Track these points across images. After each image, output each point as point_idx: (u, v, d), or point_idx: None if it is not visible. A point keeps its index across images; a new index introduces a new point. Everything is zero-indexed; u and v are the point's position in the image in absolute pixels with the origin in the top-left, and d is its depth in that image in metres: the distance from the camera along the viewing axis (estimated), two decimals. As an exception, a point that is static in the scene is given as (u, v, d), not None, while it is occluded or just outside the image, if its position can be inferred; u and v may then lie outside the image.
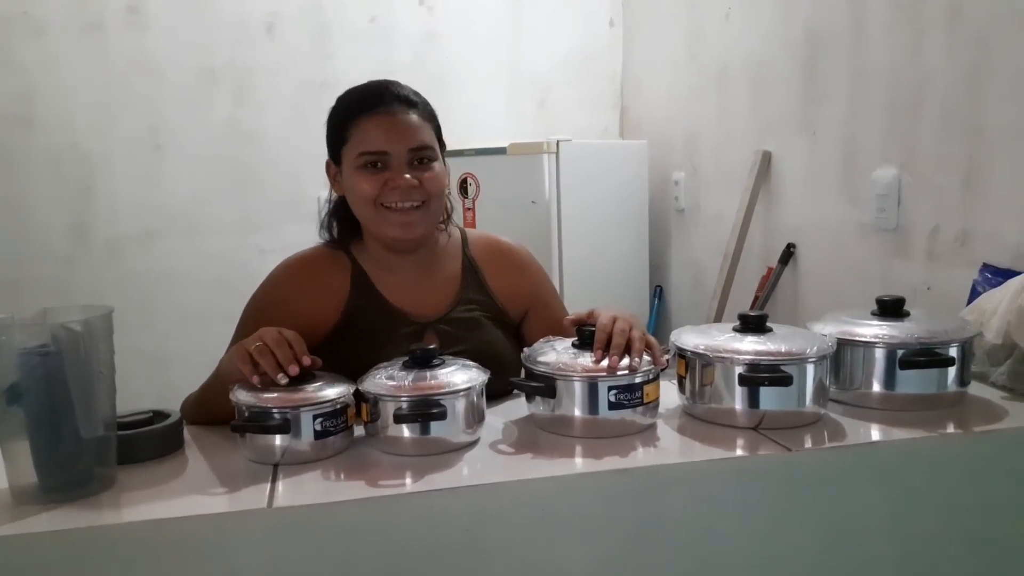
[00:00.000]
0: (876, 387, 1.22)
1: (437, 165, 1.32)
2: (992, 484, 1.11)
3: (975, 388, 1.26)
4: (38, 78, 2.80)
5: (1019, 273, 1.47)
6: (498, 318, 1.41)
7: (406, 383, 1.07)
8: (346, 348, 1.30)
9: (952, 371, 1.20)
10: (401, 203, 1.28)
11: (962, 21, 1.62)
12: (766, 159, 2.32)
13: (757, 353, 1.12)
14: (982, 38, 1.58)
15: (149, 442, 1.09)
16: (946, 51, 1.66)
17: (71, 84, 2.83)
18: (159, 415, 1.14)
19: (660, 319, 3.06)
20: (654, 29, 3.04)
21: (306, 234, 3.31)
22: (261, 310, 1.34)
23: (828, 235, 2.08)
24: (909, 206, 1.79)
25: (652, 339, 1.19)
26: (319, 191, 3.09)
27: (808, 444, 1.09)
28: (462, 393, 1.07)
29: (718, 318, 2.43)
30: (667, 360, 1.19)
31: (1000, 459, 1.13)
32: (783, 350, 1.12)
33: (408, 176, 1.27)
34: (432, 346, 1.13)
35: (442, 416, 1.04)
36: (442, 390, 1.06)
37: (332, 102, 1.36)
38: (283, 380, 1.07)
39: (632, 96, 3.26)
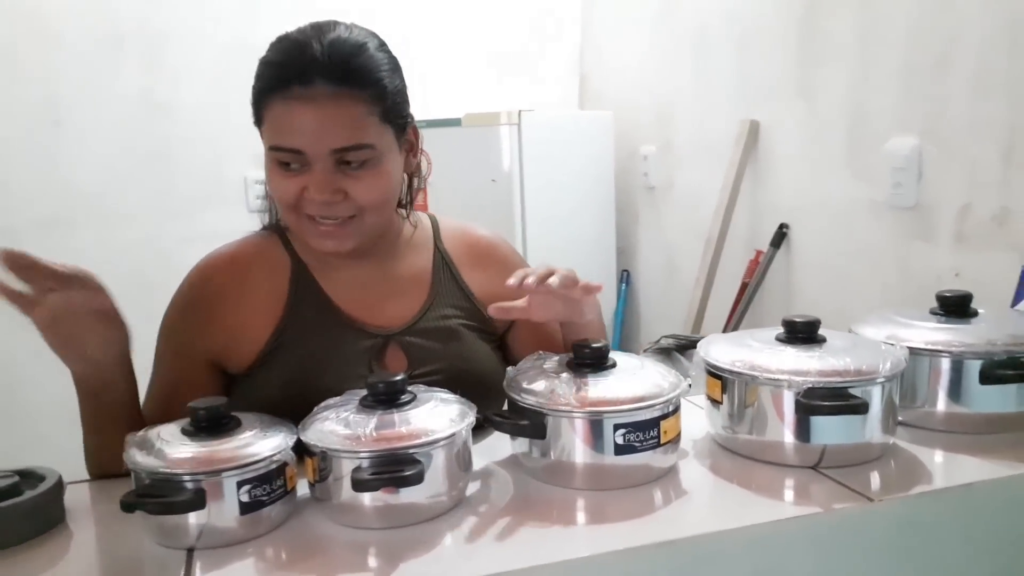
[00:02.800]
0: (942, 406, 1.00)
1: (377, 165, 0.98)
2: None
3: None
4: (-94, 41, 2.39)
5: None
6: (480, 327, 1.13)
7: (366, 432, 0.78)
8: (283, 371, 1.02)
9: (1036, 385, 0.98)
10: (322, 217, 0.98)
11: (1003, -35, 1.39)
12: (754, 130, 2.09)
13: (820, 373, 0.88)
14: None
15: (9, 523, 0.78)
16: (981, 1, 1.43)
17: (-52, 49, 2.43)
18: (28, 478, 0.84)
19: (628, 306, 2.83)
20: (618, -11, 2.77)
21: (233, 219, 2.94)
22: (177, 326, 1.06)
23: (829, 214, 1.85)
24: (933, 181, 1.57)
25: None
26: (246, 171, 2.76)
27: (887, 488, 0.85)
28: (443, 443, 0.80)
29: (702, 307, 2.20)
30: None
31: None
32: (852, 368, 0.88)
33: (329, 188, 0.95)
34: (399, 377, 0.85)
35: (418, 479, 0.76)
36: (417, 440, 0.78)
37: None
38: None
39: (592, 63, 2.99)
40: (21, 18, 2.48)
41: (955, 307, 1.05)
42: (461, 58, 2.91)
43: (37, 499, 0.82)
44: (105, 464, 0.95)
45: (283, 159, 0.96)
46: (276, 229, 1.11)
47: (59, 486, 0.85)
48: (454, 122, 2.41)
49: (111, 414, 0.94)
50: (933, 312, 1.07)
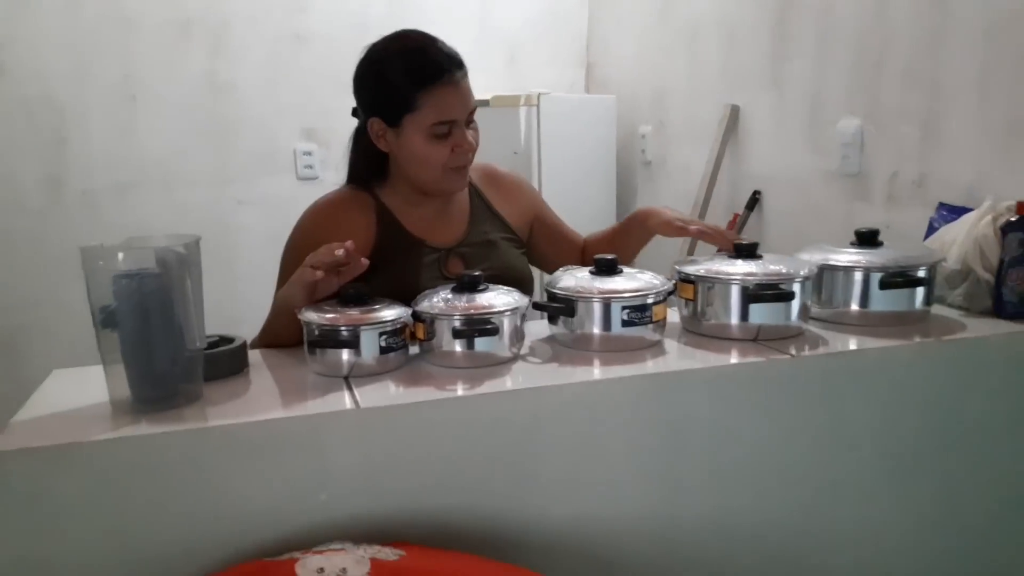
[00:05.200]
0: (854, 306, 1.39)
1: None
2: (957, 384, 1.31)
3: (935, 308, 1.45)
4: (8, 25, 2.76)
5: (972, 210, 1.67)
6: (510, 238, 1.56)
7: (460, 304, 1.19)
8: (378, 279, 1.41)
9: (921, 291, 1.39)
10: (461, 166, 1.42)
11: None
12: (735, 113, 2.48)
13: (766, 274, 1.28)
14: (944, 2, 1.75)
15: (225, 361, 1.19)
16: (911, 12, 1.83)
17: (43, 32, 2.80)
18: (224, 339, 1.25)
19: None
20: (621, -12, 3.16)
21: (283, 185, 3.36)
22: (299, 252, 1.43)
23: (793, 182, 2.26)
24: (871, 153, 1.97)
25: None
26: (294, 143, 3.15)
27: (806, 352, 1.26)
28: (508, 313, 1.20)
29: (689, 261, 2.60)
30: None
31: (964, 363, 1.33)
32: (783, 271, 1.29)
33: (470, 140, 1.41)
34: (478, 273, 1.25)
35: (495, 331, 1.17)
36: (493, 309, 1.19)
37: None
38: (340, 252, 1.20)
39: (598, 53, 3.38)
40: (104, 6, 2.85)
41: (867, 239, 1.46)
42: (482, 47, 3.29)
43: (235, 349, 1.22)
44: (270, 343, 1.36)
45: (442, 131, 1.37)
46: (361, 183, 1.50)
47: (244, 344, 1.25)
48: (483, 103, 2.80)
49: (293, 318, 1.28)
50: (852, 244, 1.47)
